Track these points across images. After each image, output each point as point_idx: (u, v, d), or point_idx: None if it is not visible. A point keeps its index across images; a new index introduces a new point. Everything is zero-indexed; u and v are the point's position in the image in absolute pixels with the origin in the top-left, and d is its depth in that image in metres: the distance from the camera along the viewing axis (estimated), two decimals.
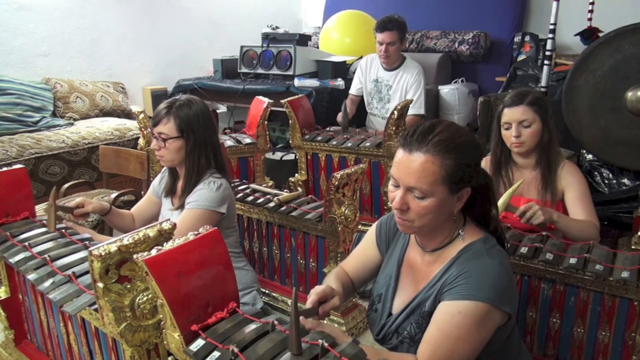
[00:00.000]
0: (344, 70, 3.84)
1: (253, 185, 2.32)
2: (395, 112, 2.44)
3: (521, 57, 3.78)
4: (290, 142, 2.86)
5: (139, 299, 1.11)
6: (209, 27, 4.83)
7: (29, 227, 1.58)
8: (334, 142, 2.68)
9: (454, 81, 4.11)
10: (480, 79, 4.21)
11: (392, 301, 1.27)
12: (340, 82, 3.61)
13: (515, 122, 1.80)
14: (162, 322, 1.03)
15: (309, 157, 2.85)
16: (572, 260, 1.43)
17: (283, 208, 2.09)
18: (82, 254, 1.41)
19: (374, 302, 1.32)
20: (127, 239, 1.07)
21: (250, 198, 2.19)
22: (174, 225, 1.14)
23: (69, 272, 1.31)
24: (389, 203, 2.60)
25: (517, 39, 3.97)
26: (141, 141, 2.60)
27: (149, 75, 4.47)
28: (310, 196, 2.20)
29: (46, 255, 1.38)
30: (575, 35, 3.35)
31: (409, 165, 1.10)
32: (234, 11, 5.02)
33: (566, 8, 3.29)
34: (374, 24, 3.32)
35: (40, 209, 2.54)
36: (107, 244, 1.05)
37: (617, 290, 1.38)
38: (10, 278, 1.65)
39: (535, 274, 1.50)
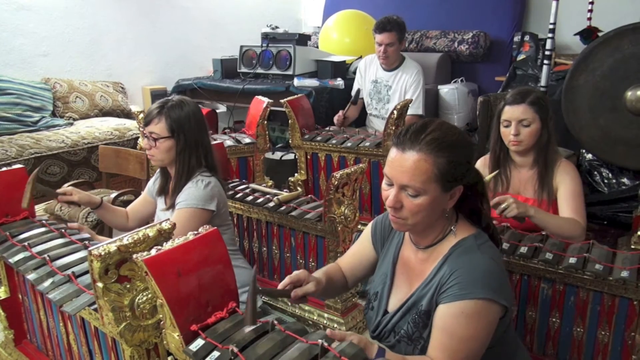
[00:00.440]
0: (343, 70, 3.84)
1: (253, 185, 2.32)
2: (395, 112, 2.44)
3: (521, 57, 3.78)
4: (290, 141, 2.86)
5: (139, 299, 1.11)
6: (208, 27, 4.83)
7: (28, 227, 1.58)
8: (334, 142, 2.68)
9: (453, 81, 4.10)
10: (479, 78, 4.21)
11: (387, 299, 1.29)
12: (339, 82, 3.61)
13: (515, 121, 1.80)
14: (162, 322, 1.03)
15: (308, 157, 2.85)
16: (572, 260, 1.43)
17: (283, 208, 2.09)
18: (81, 253, 1.40)
19: (371, 300, 1.34)
20: (126, 238, 1.07)
21: (250, 198, 2.19)
22: (174, 225, 1.14)
23: (69, 272, 1.31)
24: None
25: (516, 38, 3.97)
26: (141, 141, 2.60)
27: (148, 75, 4.47)
28: (309, 196, 2.20)
29: (46, 255, 1.38)
30: (575, 34, 3.35)
31: (402, 163, 1.11)
32: (234, 11, 5.02)
33: (566, 8, 3.29)
34: (374, 24, 3.32)
35: (40, 208, 2.55)
36: (107, 244, 1.05)
37: (616, 289, 1.38)
38: (9, 278, 1.65)
39: (535, 273, 1.50)
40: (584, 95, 2.56)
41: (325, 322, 2.02)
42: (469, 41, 4.02)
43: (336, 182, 1.81)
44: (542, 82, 2.85)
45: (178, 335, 1.00)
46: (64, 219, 2.51)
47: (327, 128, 2.93)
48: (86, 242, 1.49)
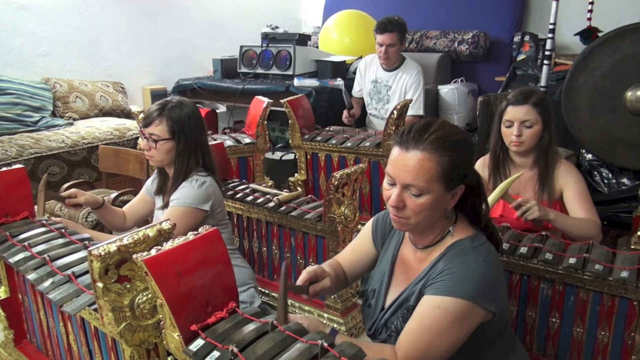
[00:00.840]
0: (343, 70, 3.84)
1: (253, 185, 2.32)
2: (395, 112, 2.44)
3: (521, 57, 3.78)
4: (290, 141, 2.87)
5: (139, 299, 1.11)
6: (208, 27, 4.83)
7: (28, 227, 1.58)
8: (334, 142, 2.68)
9: (453, 81, 4.11)
10: (479, 78, 4.21)
11: (385, 297, 1.29)
12: (339, 82, 3.60)
13: (518, 121, 1.80)
14: (162, 322, 1.03)
15: (308, 157, 2.85)
16: (572, 260, 1.43)
17: (283, 208, 2.09)
18: (81, 253, 1.40)
19: (368, 298, 1.34)
20: (126, 238, 1.07)
21: (250, 198, 2.19)
22: (174, 225, 1.14)
23: (69, 272, 1.31)
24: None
25: (516, 38, 3.97)
26: (140, 141, 2.60)
27: (148, 75, 4.47)
28: (309, 196, 2.20)
29: (46, 255, 1.38)
30: (575, 35, 3.35)
31: (406, 163, 1.11)
32: (234, 11, 5.02)
33: (566, 8, 3.29)
34: (374, 24, 3.32)
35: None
36: (107, 244, 1.05)
37: (616, 290, 1.38)
38: (9, 278, 1.65)
39: (535, 273, 1.50)
40: (584, 96, 2.56)
41: (325, 322, 2.02)
42: (469, 41, 4.02)
43: (336, 182, 1.81)
44: (542, 82, 2.85)
45: (178, 335, 1.00)
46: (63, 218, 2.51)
47: (327, 128, 2.93)
48: (86, 242, 1.49)
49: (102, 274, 1.05)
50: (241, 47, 4.03)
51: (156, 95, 4.28)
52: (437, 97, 3.94)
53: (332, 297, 2.00)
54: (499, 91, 3.57)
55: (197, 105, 2.05)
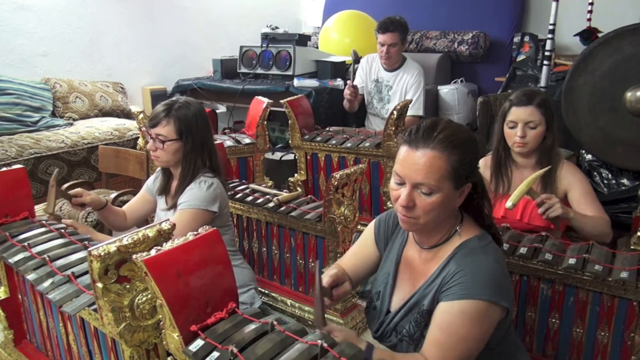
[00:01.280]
0: (343, 70, 3.84)
1: (252, 185, 2.32)
2: (395, 112, 2.44)
3: (520, 57, 3.78)
4: (290, 142, 2.87)
5: (138, 299, 1.11)
6: (208, 27, 4.83)
7: (28, 227, 1.58)
8: (334, 142, 2.68)
9: (453, 81, 4.11)
10: (479, 79, 4.21)
11: (390, 299, 1.28)
12: (339, 82, 3.61)
13: (522, 122, 1.80)
14: (162, 323, 1.03)
15: (308, 157, 2.85)
16: (571, 261, 1.43)
17: (282, 208, 2.09)
18: (81, 254, 1.40)
19: (373, 300, 1.33)
20: (126, 239, 1.07)
21: (250, 198, 2.19)
22: (174, 226, 1.14)
23: (68, 272, 1.31)
24: (388, 203, 2.61)
25: (516, 39, 3.97)
26: (140, 141, 2.60)
27: (148, 75, 4.47)
28: (309, 196, 2.20)
29: (45, 256, 1.38)
30: (575, 35, 3.35)
31: (416, 161, 1.10)
32: (234, 11, 5.02)
33: (565, 8, 3.29)
34: (374, 24, 3.32)
35: (39, 209, 2.54)
36: (107, 244, 1.05)
37: (616, 290, 1.38)
38: (9, 278, 1.65)
39: (535, 274, 1.50)
40: (584, 96, 2.56)
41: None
42: (468, 42, 4.02)
43: (336, 183, 1.81)
44: (542, 82, 2.85)
45: (178, 336, 1.00)
46: (64, 219, 2.51)
47: (327, 128, 2.93)
48: (86, 242, 1.49)
49: (101, 274, 1.05)
50: (241, 47, 4.03)
51: (156, 95, 4.28)
52: (437, 97, 3.94)
53: None
54: (499, 92, 3.57)
55: None
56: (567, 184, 1.81)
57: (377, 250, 1.38)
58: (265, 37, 3.95)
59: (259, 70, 3.92)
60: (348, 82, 3.31)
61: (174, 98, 1.86)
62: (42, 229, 1.56)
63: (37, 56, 3.75)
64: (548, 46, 2.81)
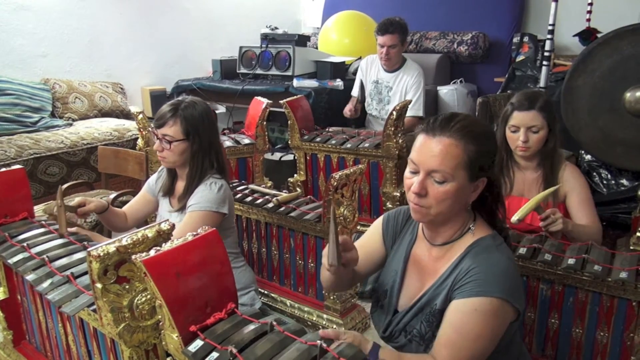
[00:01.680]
0: (342, 70, 3.84)
1: (252, 186, 2.32)
2: (394, 113, 2.44)
3: (520, 58, 3.78)
4: (289, 142, 2.87)
5: (138, 300, 1.11)
6: (207, 27, 4.83)
7: (27, 228, 1.58)
8: (333, 143, 2.68)
9: (452, 82, 4.11)
10: (479, 79, 4.21)
11: (398, 297, 1.26)
12: (339, 83, 3.61)
13: (524, 127, 1.79)
14: (161, 323, 1.03)
15: (307, 158, 2.85)
16: (571, 261, 1.43)
17: (282, 209, 2.09)
18: (80, 254, 1.40)
19: (380, 299, 1.31)
20: (125, 239, 1.07)
21: (249, 199, 2.19)
22: (173, 226, 1.14)
23: (68, 272, 1.31)
24: (388, 204, 2.61)
25: (515, 39, 3.97)
26: (140, 142, 2.60)
27: (147, 76, 4.47)
28: (309, 197, 2.20)
29: (45, 256, 1.38)
30: (574, 35, 3.35)
31: (432, 148, 1.10)
32: (233, 12, 5.03)
33: (565, 9, 3.30)
34: (374, 24, 3.32)
35: (39, 209, 2.54)
36: (106, 245, 1.05)
37: (615, 290, 1.38)
38: (8, 279, 1.65)
39: (534, 274, 1.50)
40: (583, 96, 2.56)
41: (324, 322, 2.02)
42: (468, 42, 4.03)
43: (335, 183, 1.81)
44: (541, 83, 2.85)
45: (177, 336, 1.00)
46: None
47: (327, 129, 2.93)
48: (85, 242, 1.49)
49: (101, 274, 1.05)
50: (240, 47, 4.03)
51: (155, 95, 4.28)
52: (437, 97, 3.95)
53: (332, 297, 2.00)
54: (498, 92, 3.56)
55: None
56: (569, 187, 1.81)
57: (383, 247, 1.35)
58: (265, 37, 3.95)
59: (259, 71, 3.92)
60: (350, 104, 3.34)
61: (180, 98, 1.84)
62: (42, 230, 1.56)
63: (36, 57, 3.75)
64: (547, 46, 2.81)
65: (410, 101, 2.81)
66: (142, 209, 1.99)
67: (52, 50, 3.83)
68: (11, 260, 1.43)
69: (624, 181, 2.74)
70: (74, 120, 3.66)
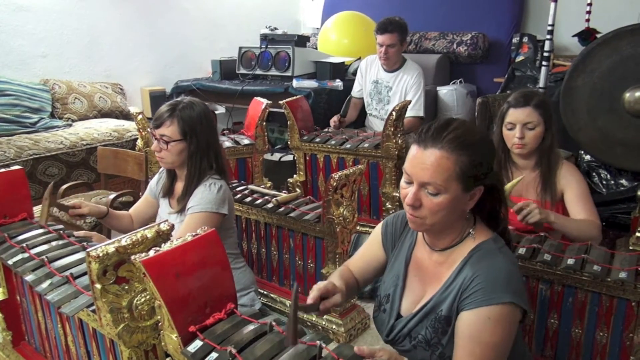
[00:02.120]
0: (342, 71, 3.84)
1: (251, 186, 2.32)
2: (394, 113, 2.44)
3: (519, 58, 3.79)
4: (289, 143, 2.87)
5: (137, 300, 1.11)
6: (207, 28, 4.83)
7: (27, 229, 1.58)
8: (333, 143, 2.68)
9: (452, 82, 4.11)
10: (478, 79, 4.21)
11: (400, 301, 1.26)
12: (338, 83, 3.61)
13: (520, 124, 1.79)
14: (160, 323, 1.03)
15: (307, 158, 2.85)
16: (570, 261, 1.43)
17: (281, 209, 2.08)
18: (80, 255, 1.40)
19: (382, 303, 1.31)
20: (125, 240, 1.07)
21: (249, 199, 2.19)
22: (172, 226, 1.14)
23: (67, 273, 1.31)
24: (387, 204, 2.61)
25: (515, 39, 3.97)
26: (139, 142, 2.60)
27: (147, 76, 4.47)
28: (308, 197, 2.20)
29: (44, 257, 1.38)
30: (573, 36, 3.35)
31: (423, 160, 1.09)
32: (233, 12, 5.03)
33: (564, 9, 3.30)
34: (373, 25, 3.32)
35: (38, 210, 2.55)
36: (105, 245, 1.05)
37: (614, 290, 1.38)
38: (8, 279, 1.65)
39: (534, 274, 1.50)
40: (582, 97, 2.57)
41: (323, 323, 2.02)
42: (467, 42, 4.03)
43: (335, 184, 1.81)
44: (541, 83, 2.85)
45: (176, 337, 1.00)
46: (63, 221, 2.51)
47: (326, 129, 2.93)
48: (84, 243, 1.49)
49: (100, 275, 1.05)
50: (240, 48, 4.03)
51: (155, 96, 4.28)
52: (436, 98, 3.95)
53: None
54: (498, 92, 3.57)
55: None
56: (565, 183, 1.82)
57: (384, 253, 1.36)
58: (264, 38, 3.95)
59: (258, 71, 3.92)
60: (337, 116, 3.28)
61: (178, 98, 1.84)
62: (41, 230, 1.56)
63: (36, 57, 3.75)
64: (547, 47, 2.81)
65: (409, 101, 2.81)
66: (145, 211, 2.00)
67: (52, 51, 3.83)
68: (10, 261, 1.43)
69: (624, 181, 2.74)
70: (73, 120, 3.66)
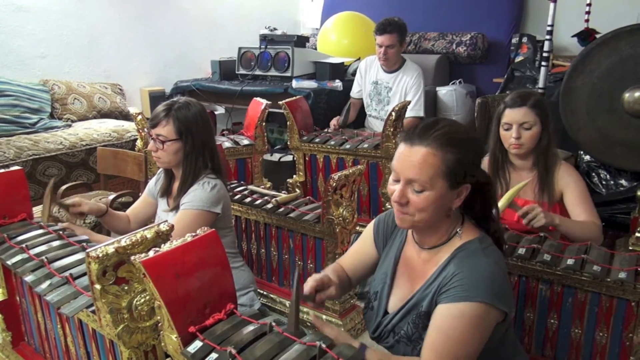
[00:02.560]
0: (341, 71, 3.84)
1: (251, 187, 2.32)
2: (393, 114, 2.45)
3: (519, 59, 3.79)
4: (288, 143, 2.87)
5: (137, 301, 1.11)
6: (207, 28, 4.83)
7: (26, 229, 1.58)
8: (332, 144, 2.68)
9: (451, 82, 4.11)
10: (478, 80, 4.21)
11: (387, 299, 1.28)
12: (338, 84, 3.61)
13: (516, 124, 1.80)
14: (160, 324, 1.03)
15: (307, 159, 2.85)
16: (570, 261, 1.44)
17: (281, 209, 2.08)
18: (79, 255, 1.40)
19: (371, 300, 1.33)
20: (124, 240, 1.07)
21: (248, 199, 2.19)
22: (172, 227, 1.14)
23: (67, 273, 1.30)
24: (387, 204, 2.61)
25: (514, 40, 3.98)
26: (139, 143, 2.60)
27: (146, 77, 4.47)
28: (308, 197, 2.20)
29: (43, 257, 1.38)
30: (573, 36, 3.35)
31: (410, 157, 1.10)
32: (232, 12, 5.03)
33: (563, 9, 3.30)
34: (373, 25, 3.32)
35: (37, 210, 2.54)
36: (105, 246, 1.05)
37: (614, 291, 1.38)
38: (7, 280, 1.65)
39: (533, 275, 1.50)
40: (582, 97, 2.57)
41: (325, 321, 2.01)
42: (467, 43, 4.03)
43: (334, 184, 1.81)
44: (540, 83, 2.86)
45: (176, 337, 1.00)
46: (62, 221, 2.50)
47: (326, 130, 2.93)
48: (84, 243, 1.49)
49: (100, 275, 1.05)
50: (239, 48, 4.03)
51: (154, 96, 4.28)
52: (436, 98, 3.95)
53: None
54: (497, 92, 3.57)
55: None
56: (563, 184, 1.82)
57: (375, 250, 1.38)
58: (264, 38, 3.95)
59: (258, 72, 3.92)
60: (336, 119, 3.34)
61: (175, 98, 1.86)
62: (40, 231, 1.56)
63: (35, 58, 3.74)
64: (546, 47, 2.81)
65: (409, 102, 2.81)
66: (142, 211, 2.01)
67: (51, 51, 3.83)
68: (10, 262, 1.43)
69: (623, 182, 2.74)
70: (72, 121, 3.66)
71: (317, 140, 2.75)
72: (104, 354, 1.27)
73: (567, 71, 2.69)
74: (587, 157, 2.87)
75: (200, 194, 1.76)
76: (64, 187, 2.70)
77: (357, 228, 1.99)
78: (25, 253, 1.43)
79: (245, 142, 2.70)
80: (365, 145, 2.58)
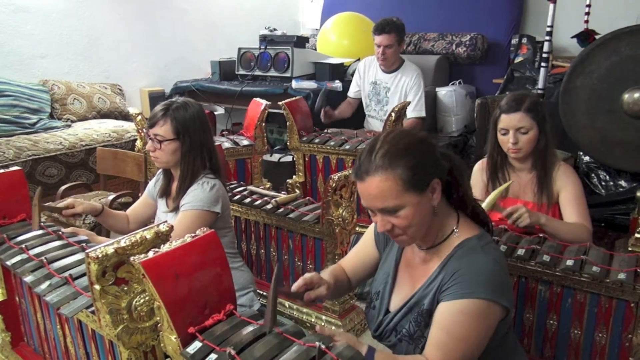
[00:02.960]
0: (341, 72, 3.84)
1: (251, 187, 2.32)
2: (393, 114, 2.45)
3: (518, 59, 3.79)
4: (288, 143, 2.87)
5: (136, 301, 1.11)
6: (206, 28, 4.83)
7: (26, 229, 1.58)
8: (332, 144, 2.68)
9: (451, 83, 4.11)
10: (477, 80, 4.21)
11: (389, 298, 1.29)
12: (337, 84, 3.61)
13: (513, 129, 1.79)
14: (159, 325, 1.03)
15: (306, 159, 2.85)
16: (569, 262, 1.44)
17: (281, 210, 2.08)
18: (79, 256, 1.40)
19: (372, 300, 1.34)
20: (124, 241, 1.07)
21: (248, 200, 2.19)
22: (171, 227, 1.14)
23: (66, 274, 1.30)
24: None
25: (514, 41, 3.98)
26: (138, 143, 2.60)
27: (146, 77, 4.47)
28: (307, 198, 2.20)
29: (43, 258, 1.38)
30: (572, 37, 3.36)
31: (368, 191, 1.12)
32: (232, 13, 5.03)
33: (563, 10, 3.30)
34: (372, 26, 3.33)
35: None
36: (104, 246, 1.05)
37: (613, 291, 1.38)
38: (7, 280, 1.65)
39: (533, 275, 1.50)
40: (581, 98, 2.57)
41: (323, 324, 2.02)
42: (466, 43, 4.03)
43: (334, 184, 1.81)
44: (540, 84, 2.86)
45: (175, 338, 1.00)
46: (62, 222, 2.50)
47: (325, 130, 2.93)
48: (83, 244, 1.49)
49: (99, 276, 1.05)
50: (239, 49, 4.03)
51: (154, 97, 4.28)
52: (435, 99, 3.95)
53: None
54: (497, 93, 3.58)
55: None
56: (561, 185, 1.82)
57: (376, 251, 1.39)
58: (264, 38, 3.95)
59: (257, 72, 3.92)
60: (322, 112, 3.30)
61: (173, 98, 1.86)
62: (40, 231, 1.56)
63: (35, 58, 3.74)
64: (546, 48, 2.82)
65: (408, 102, 2.81)
66: (142, 212, 2.01)
67: (51, 52, 3.83)
68: (9, 262, 1.43)
69: (622, 182, 2.75)
70: (72, 121, 3.66)
71: (316, 140, 2.75)
72: (103, 355, 1.27)
73: (566, 72, 2.69)
74: (587, 158, 2.87)
75: (199, 194, 1.77)
76: (63, 187, 2.70)
77: (357, 229, 1.99)
78: (25, 253, 1.43)
79: (245, 142, 2.70)
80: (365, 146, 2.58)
